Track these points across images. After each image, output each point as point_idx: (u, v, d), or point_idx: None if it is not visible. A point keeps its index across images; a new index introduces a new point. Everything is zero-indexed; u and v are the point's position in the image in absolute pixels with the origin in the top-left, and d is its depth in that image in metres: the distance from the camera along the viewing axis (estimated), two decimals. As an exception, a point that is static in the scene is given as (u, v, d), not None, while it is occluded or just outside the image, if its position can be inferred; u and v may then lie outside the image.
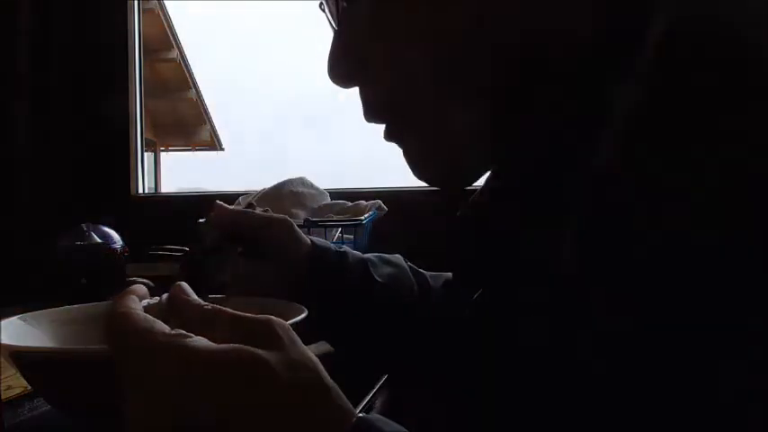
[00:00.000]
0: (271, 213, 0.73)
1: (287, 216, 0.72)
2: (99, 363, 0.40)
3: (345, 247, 0.76)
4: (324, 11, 0.50)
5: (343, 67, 0.47)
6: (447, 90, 0.43)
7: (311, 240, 0.73)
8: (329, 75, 0.48)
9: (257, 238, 0.70)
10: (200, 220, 0.75)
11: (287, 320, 0.40)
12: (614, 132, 0.35)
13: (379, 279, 0.73)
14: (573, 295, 0.34)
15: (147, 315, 0.39)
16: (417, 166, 0.48)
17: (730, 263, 0.29)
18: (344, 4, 0.47)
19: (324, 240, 0.76)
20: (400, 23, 0.44)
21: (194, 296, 0.42)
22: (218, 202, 0.73)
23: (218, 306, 0.40)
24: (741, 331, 0.29)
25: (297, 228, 0.72)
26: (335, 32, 0.48)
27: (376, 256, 0.77)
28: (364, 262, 0.75)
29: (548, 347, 0.35)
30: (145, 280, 1.11)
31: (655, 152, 0.32)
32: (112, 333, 0.39)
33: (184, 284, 0.42)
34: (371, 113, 0.48)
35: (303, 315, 0.56)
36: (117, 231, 1.28)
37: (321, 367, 0.37)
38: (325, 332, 0.70)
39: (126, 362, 0.37)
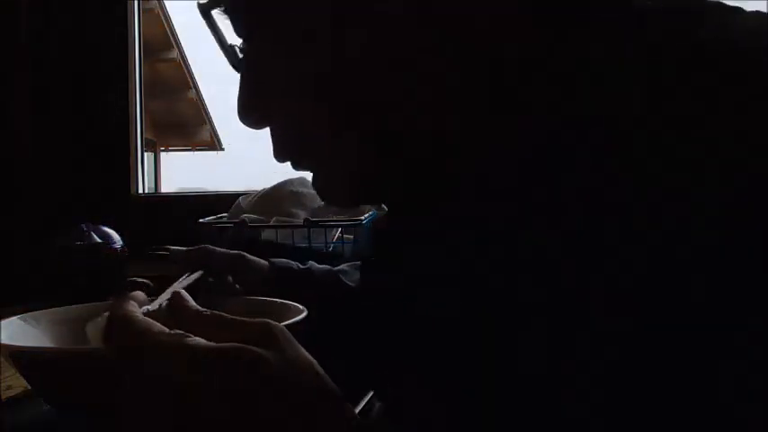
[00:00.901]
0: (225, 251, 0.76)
1: (240, 252, 0.77)
2: (99, 363, 0.40)
3: (311, 263, 0.80)
4: (224, 52, 0.48)
5: (249, 112, 0.45)
6: (348, 127, 0.42)
7: (269, 262, 0.77)
8: (239, 118, 0.46)
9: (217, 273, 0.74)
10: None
11: (287, 320, 0.40)
12: (613, 132, 0.35)
13: (351, 285, 0.74)
14: (572, 296, 0.34)
15: (147, 317, 0.39)
16: (328, 197, 0.47)
17: (730, 263, 0.29)
18: (242, 46, 0.45)
19: (284, 260, 0.79)
20: (299, 65, 0.42)
21: (193, 303, 0.43)
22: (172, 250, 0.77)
23: (217, 312, 0.41)
24: (741, 331, 0.29)
25: (250, 257, 0.76)
26: (240, 75, 0.46)
27: (348, 265, 0.79)
28: (334, 273, 0.77)
29: (547, 348, 0.35)
30: (145, 280, 1.11)
31: (654, 152, 0.32)
32: (112, 335, 0.39)
33: (183, 292, 0.42)
34: (280, 154, 0.46)
35: (303, 315, 0.56)
36: (117, 231, 1.28)
37: (320, 369, 0.37)
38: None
39: (126, 362, 0.38)
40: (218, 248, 0.77)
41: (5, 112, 1.52)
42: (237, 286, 0.74)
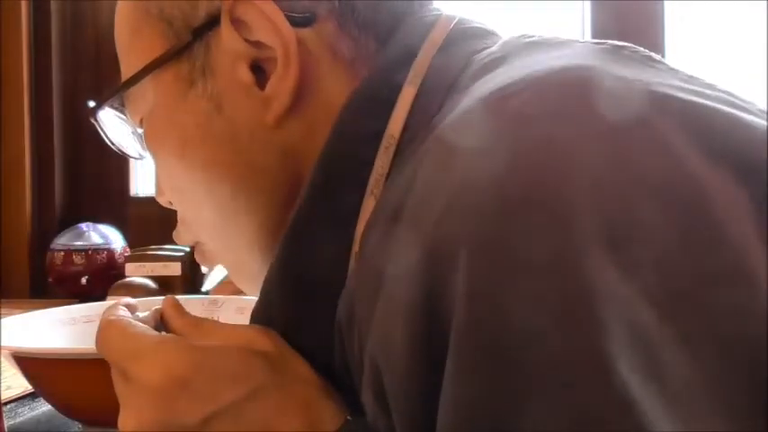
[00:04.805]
0: None
1: None
2: (99, 363, 0.40)
3: None
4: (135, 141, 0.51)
5: (160, 198, 0.49)
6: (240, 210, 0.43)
7: None
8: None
9: None
10: None
11: None
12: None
13: None
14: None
15: (137, 321, 0.40)
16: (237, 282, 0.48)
17: None
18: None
19: None
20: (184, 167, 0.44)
21: (184, 309, 0.43)
22: None
23: (208, 318, 0.42)
24: None
25: None
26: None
27: None
28: None
29: None
30: (145, 280, 1.11)
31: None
32: (103, 339, 0.39)
33: (175, 298, 0.43)
34: (179, 240, 0.50)
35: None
36: (117, 231, 1.28)
37: (311, 368, 0.38)
38: None
39: (117, 365, 0.38)
40: None
41: (6, 112, 1.52)
42: None
